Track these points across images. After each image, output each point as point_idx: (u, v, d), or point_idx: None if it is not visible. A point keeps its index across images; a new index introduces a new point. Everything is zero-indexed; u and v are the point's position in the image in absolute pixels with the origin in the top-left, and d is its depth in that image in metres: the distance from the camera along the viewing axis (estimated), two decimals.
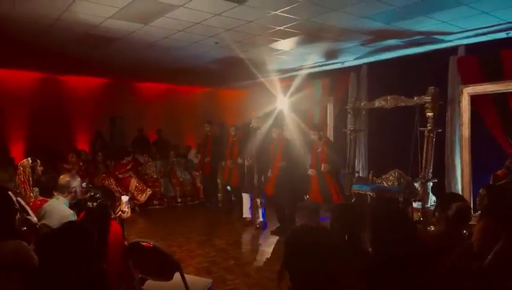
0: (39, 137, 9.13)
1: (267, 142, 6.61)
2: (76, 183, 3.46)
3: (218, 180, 8.01)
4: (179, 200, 8.32)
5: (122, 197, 3.31)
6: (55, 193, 3.59)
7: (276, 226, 6.23)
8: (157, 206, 8.05)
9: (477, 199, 3.17)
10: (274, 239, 5.72)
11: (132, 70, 9.31)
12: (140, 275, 2.88)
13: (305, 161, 6.25)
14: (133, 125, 10.69)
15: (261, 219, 6.60)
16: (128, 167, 7.91)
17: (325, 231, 1.55)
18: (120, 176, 7.80)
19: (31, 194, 4.39)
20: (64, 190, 3.40)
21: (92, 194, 2.91)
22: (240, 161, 6.95)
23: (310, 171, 5.79)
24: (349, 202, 6.73)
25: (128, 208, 3.24)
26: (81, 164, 7.46)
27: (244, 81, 10.38)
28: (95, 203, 2.86)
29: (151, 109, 11.01)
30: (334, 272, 1.39)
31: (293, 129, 8.60)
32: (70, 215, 3.27)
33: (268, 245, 5.57)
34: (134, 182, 7.68)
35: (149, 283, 2.91)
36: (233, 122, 11.96)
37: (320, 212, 5.90)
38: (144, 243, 2.69)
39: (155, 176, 8.24)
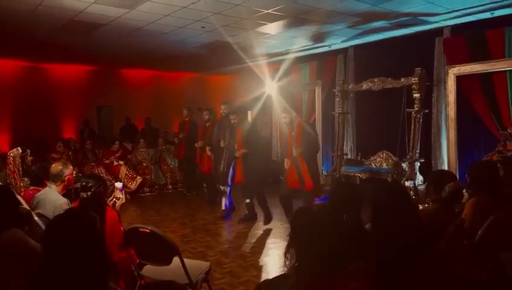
0: (25, 127, 8.98)
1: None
2: (68, 171, 3.44)
3: None
4: (170, 187, 8.32)
5: (116, 183, 3.31)
6: (47, 182, 3.58)
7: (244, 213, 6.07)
8: (148, 194, 8.04)
9: (467, 177, 3.25)
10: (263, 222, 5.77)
11: (118, 58, 9.17)
12: (138, 261, 2.91)
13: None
14: (120, 113, 10.59)
15: (223, 207, 6.42)
16: (118, 155, 7.86)
17: (329, 211, 1.59)
18: (106, 161, 7.75)
19: (21, 184, 4.34)
20: (56, 178, 3.38)
21: (83, 183, 2.89)
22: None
23: (286, 164, 5.28)
24: (345, 182, 6.74)
25: (122, 194, 3.24)
26: (70, 153, 7.39)
27: (231, 66, 10.32)
28: (88, 193, 2.85)
29: (139, 96, 10.90)
30: (340, 250, 1.43)
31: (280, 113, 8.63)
32: (64, 203, 3.26)
33: (258, 228, 5.63)
34: (124, 170, 7.64)
35: (147, 267, 2.94)
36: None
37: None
38: (141, 229, 2.71)
39: (145, 164, 8.20)
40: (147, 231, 2.68)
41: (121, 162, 7.74)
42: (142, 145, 8.40)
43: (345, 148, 8.24)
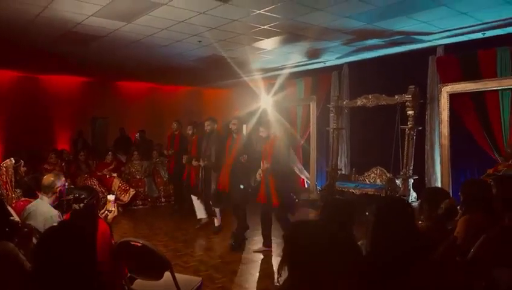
0: (18, 137, 8.93)
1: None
2: (60, 183, 3.41)
3: None
4: (163, 199, 8.26)
5: (108, 196, 3.27)
6: (39, 194, 3.54)
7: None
8: (141, 206, 7.97)
9: (460, 194, 3.27)
10: (258, 238, 5.70)
11: (114, 70, 9.20)
12: (129, 275, 2.87)
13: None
14: (115, 125, 10.56)
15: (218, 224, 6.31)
16: (111, 167, 7.82)
17: (324, 226, 1.59)
18: (99, 173, 7.71)
19: (13, 195, 4.30)
20: (48, 190, 3.34)
21: (76, 195, 2.87)
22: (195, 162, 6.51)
23: (258, 174, 5.16)
24: (334, 198, 6.70)
25: (114, 207, 3.20)
26: (62, 164, 7.34)
27: (228, 80, 10.39)
28: (81, 205, 2.83)
29: (134, 108, 10.90)
30: (333, 266, 1.42)
31: (276, 128, 8.66)
32: (55, 215, 3.22)
33: (252, 244, 5.58)
34: (117, 182, 7.60)
35: (138, 282, 2.90)
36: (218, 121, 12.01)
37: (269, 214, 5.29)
38: (133, 242, 2.68)
39: (138, 176, 8.16)
40: (139, 244, 2.65)
41: (114, 174, 7.70)
42: (136, 158, 8.36)
43: (339, 163, 8.27)
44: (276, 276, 1.52)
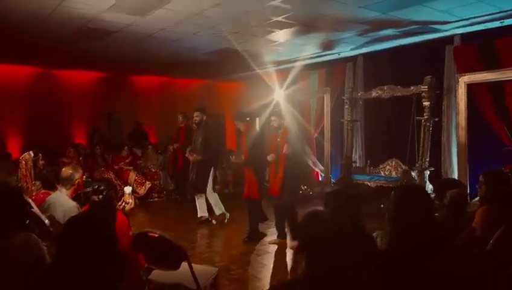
0: (35, 132, 9.09)
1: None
2: (78, 175, 3.48)
3: None
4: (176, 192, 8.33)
5: (125, 188, 3.33)
6: (57, 186, 3.61)
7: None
8: (157, 199, 8.06)
9: (477, 186, 3.23)
10: (272, 229, 5.72)
11: (129, 64, 9.26)
12: (146, 265, 2.91)
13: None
14: (130, 119, 10.65)
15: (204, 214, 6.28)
16: (127, 161, 7.92)
17: (335, 216, 1.59)
18: (115, 167, 7.82)
19: (33, 187, 4.40)
20: (67, 182, 3.42)
21: (95, 187, 2.93)
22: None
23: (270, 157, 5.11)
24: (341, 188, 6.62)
25: (132, 198, 3.26)
26: (80, 158, 7.46)
27: (240, 73, 10.37)
28: (100, 196, 2.88)
29: (148, 103, 10.96)
30: (346, 256, 1.43)
31: (289, 120, 8.62)
32: (74, 207, 3.29)
33: (268, 235, 5.60)
34: (133, 175, 7.70)
35: (156, 272, 2.94)
36: (230, 114, 12.02)
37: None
38: (150, 233, 2.72)
39: (154, 169, 8.25)
40: (156, 235, 2.69)
41: (130, 168, 7.79)
42: (151, 151, 8.45)
43: (353, 156, 8.22)
44: (289, 265, 1.52)
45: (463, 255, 2.32)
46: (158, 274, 2.92)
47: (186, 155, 6.39)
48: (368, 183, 7.46)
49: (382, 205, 7.12)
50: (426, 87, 6.55)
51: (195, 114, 6.28)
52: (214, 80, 11.81)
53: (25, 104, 9.38)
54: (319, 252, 1.43)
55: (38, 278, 2.22)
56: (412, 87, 6.84)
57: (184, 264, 2.74)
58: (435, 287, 1.74)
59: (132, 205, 3.22)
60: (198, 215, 6.29)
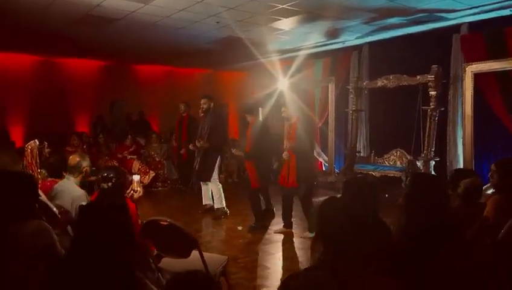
0: (38, 121, 9.06)
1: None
2: (86, 163, 3.46)
3: None
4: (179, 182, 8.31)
5: (134, 176, 3.31)
6: (64, 174, 3.59)
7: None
8: (161, 188, 8.05)
9: (489, 175, 3.20)
10: (278, 219, 5.72)
11: (132, 53, 9.20)
12: (156, 253, 2.91)
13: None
14: (133, 109, 10.62)
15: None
16: (131, 150, 7.91)
17: (352, 203, 1.57)
18: (119, 155, 7.81)
19: (38, 176, 4.37)
20: (74, 170, 3.40)
21: (105, 175, 2.91)
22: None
23: (285, 155, 5.07)
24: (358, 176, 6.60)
25: (140, 187, 3.24)
26: (84, 146, 7.43)
27: (244, 62, 10.30)
28: (109, 184, 2.86)
29: (151, 92, 10.91)
30: (366, 241, 1.41)
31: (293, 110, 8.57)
32: (82, 195, 3.27)
33: (273, 224, 5.59)
34: (137, 165, 7.68)
35: (166, 260, 2.94)
36: (234, 104, 11.97)
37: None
38: (160, 221, 2.70)
39: (157, 159, 8.24)
40: (166, 223, 2.68)
41: (134, 157, 7.78)
42: (154, 140, 8.43)
43: (358, 146, 8.19)
44: (310, 253, 1.50)
45: (475, 244, 2.30)
46: (168, 262, 2.91)
47: (191, 147, 6.36)
48: (373, 173, 7.43)
49: (386, 195, 7.15)
50: (433, 76, 6.49)
51: (202, 101, 6.20)
52: (217, 69, 11.75)
53: (28, 93, 9.35)
54: (337, 239, 1.41)
55: (51, 266, 2.23)
56: (418, 77, 6.78)
57: (194, 252, 2.73)
58: (446, 277, 1.72)
59: (141, 193, 3.20)
60: (203, 203, 6.28)
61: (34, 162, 4.40)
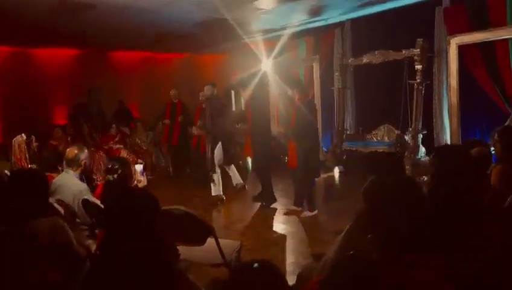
0: (14, 115, 8.68)
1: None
2: (84, 155, 3.33)
3: None
4: (171, 169, 8.19)
5: (136, 166, 3.22)
6: (59, 168, 3.47)
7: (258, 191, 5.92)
8: (151, 177, 7.87)
9: (491, 143, 3.24)
10: (281, 200, 5.74)
11: (107, 40, 8.87)
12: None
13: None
14: (110, 97, 10.30)
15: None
16: (117, 139, 7.71)
17: (397, 180, 1.54)
18: (105, 146, 7.60)
19: None
20: (73, 163, 3.27)
21: (110, 166, 2.82)
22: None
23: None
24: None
25: (143, 176, 3.16)
26: (68, 138, 7.18)
27: (225, 44, 10.11)
28: (115, 175, 2.77)
29: (129, 79, 10.61)
30: (415, 219, 1.38)
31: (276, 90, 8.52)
32: (84, 189, 3.16)
33: (271, 208, 5.60)
34: (124, 154, 7.46)
35: (179, 248, 2.88)
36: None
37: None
38: (174, 210, 2.64)
39: (145, 147, 8.07)
40: (180, 212, 2.62)
41: (121, 146, 7.59)
42: (139, 128, 8.24)
43: (345, 123, 8.22)
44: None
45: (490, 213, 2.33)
46: (182, 250, 2.85)
47: (194, 132, 6.36)
48: (362, 150, 7.50)
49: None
50: (418, 50, 6.54)
51: (206, 88, 6.28)
52: (197, 53, 11.50)
53: (1, 87, 8.92)
54: (386, 217, 1.38)
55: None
56: (403, 51, 6.81)
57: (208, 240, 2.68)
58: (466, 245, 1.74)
59: (145, 183, 3.12)
60: (234, 184, 6.42)
61: (23, 157, 4.24)
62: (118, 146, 7.62)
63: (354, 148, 7.68)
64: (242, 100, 7.51)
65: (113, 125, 7.90)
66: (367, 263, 1.34)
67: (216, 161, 5.97)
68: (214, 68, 11.69)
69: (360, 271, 1.32)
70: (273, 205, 5.58)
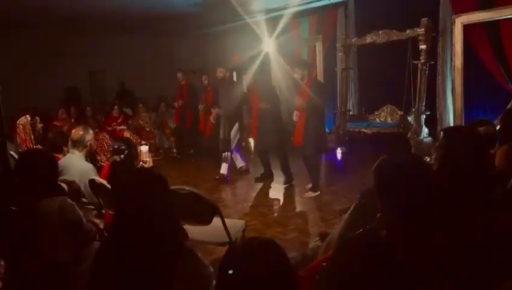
0: (12, 96, 8.61)
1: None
2: (90, 136, 3.35)
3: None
4: (174, 150, 8.22)
5: (142, 147, 3.24)
6: (65, 148, 3.49)
7: (261, 172, 6.02)
8: (154, 158, 7.91)
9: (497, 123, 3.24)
10: (278, 179, 5.79)
11: (106, 21, 8.76)
12: None
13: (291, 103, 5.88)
14: (113, 78, 10.26)
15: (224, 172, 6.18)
16: (120, 120, 7.71)
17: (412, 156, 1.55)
18: (108, 128, 7.62)
19: None
20: (78, 144, 3.29)
21: (116, 147, 2.83)
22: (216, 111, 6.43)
23: (295, 115, 5.14)
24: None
25: (149, 157, 3.17)
26: (72, 120, 7.19)
27: (226, 24, 9.98)
28: (121, 156, 2.79)
29: (131, 60, 10.52)
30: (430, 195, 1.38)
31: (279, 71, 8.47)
32: (90, 169, 3.19)
33: (273, 187, 5.65)
34: (127, 135, 7.50)
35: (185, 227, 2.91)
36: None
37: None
38: (180, 190, 2.67)
39: (148, 129, 8.07)
40: (186, 192, 2.64)
41: (124, 128, 7.61)
42: (142, 110, 8.23)
43: (347, 104, 8.19)
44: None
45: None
46: (189, 230, 2.89)
47: (213, 115, 6.40)
48: (365, 131, 7.50)
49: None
50: (423, 29, 6.46)
51: (218, 70, 6.27)
52: (199, 33, 11.38)
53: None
54: (396, 195, 1.39)
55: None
56: (407, 31, 6.73)
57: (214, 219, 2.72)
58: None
59: (151, 164, 3.14)
60: (238, 167, 6.50)
61: (28, 138, 4.25)
62: (121, 127, 7.63)
63: (356, 129, 7.67)
64: (244, 82, 7.52)
65: (115, 107, 7.88)
66: (376, 241, 1.36)
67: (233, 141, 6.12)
68: (217, 49, 11.59)
69: (369, 250, 1.34)
70: (278, 185, 5.64)
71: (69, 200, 2.12)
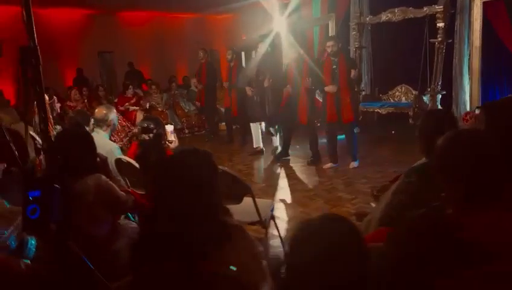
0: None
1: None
2: (113, 115, 3.32)
3: (222, 109, 7.77)
4: (186, 131, 8.19)
5: (167, 126, 3.20)
6: (87, 128, 3.45)
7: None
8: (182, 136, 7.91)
9: None
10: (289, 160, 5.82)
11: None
12: None
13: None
14: (121, 59, 10.16)
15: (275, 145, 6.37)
16: (133, 101, 7.66)
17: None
18: (121, 108, 7.57)
19: (53, 132, 4.20)
20: (102, 123, 3.27)
21: (145, 125, 2.80)
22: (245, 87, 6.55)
23: (317, 95, 5.31)
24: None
25: (175, 137, 3.14)
26: (85, 100, 7.15)
27: (235, 3, 9.80)
28: (151, 135, 2.75)
29: (140, 40, 10.40)
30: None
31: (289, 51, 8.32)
32: (115, 148, 3.17)
33: (293, 166, 5.65)
34: (140, 116, 7.44)
35: None
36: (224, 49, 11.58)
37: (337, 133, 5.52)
38: None
39: (160, 109, 8.01)
40: (220, 171, 2.61)
41: (137, 108, 7.56)
42: (154, 90, 8.16)
43: (361, 83, 8.09)
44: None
45: None
46: None
47: (248, 92, 6.54)
48: (379, 111, 7.43)
49: (393, 132, 7.20)
50: (441, 7, 6.33)
51: (228, 52, 6.65)
52: (207, 12, 11.19)
53: (11, 48, 8.76)
54: (463, 173, 1.33)
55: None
56: (425, 8, 6.60)
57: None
58: None
59: (177, 143, 3.11)
60: (254, 146, 6.57)
61: (47, 118, 4.21)
62: (133, 108, 7.58)
63: (370, 109, 7.60)
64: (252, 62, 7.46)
65: (130, 87, 7.82)
66: (443, 221, 1.32)
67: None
68: (225, 28, 11.44)
69: (436, 229, 1.30)
70: (299, 163, 5.72)
71: (104, 178, 2.11)
